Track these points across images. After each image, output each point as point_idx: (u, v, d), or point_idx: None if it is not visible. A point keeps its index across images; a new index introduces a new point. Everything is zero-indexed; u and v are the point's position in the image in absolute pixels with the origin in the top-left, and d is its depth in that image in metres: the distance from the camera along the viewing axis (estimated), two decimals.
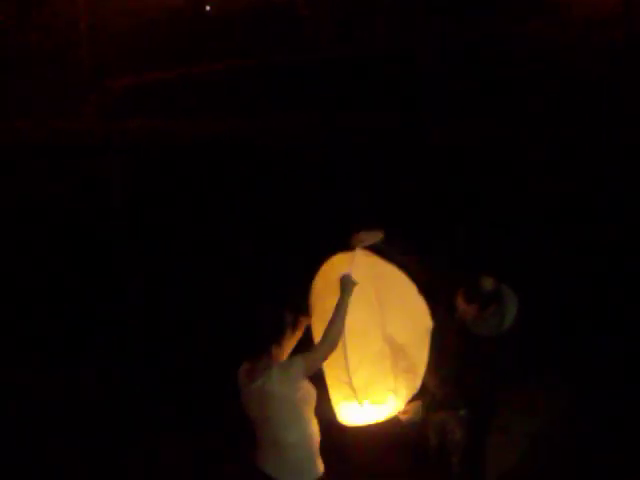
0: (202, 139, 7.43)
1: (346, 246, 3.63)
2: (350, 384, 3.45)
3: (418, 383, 3.65)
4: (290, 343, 3.55)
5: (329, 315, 3.39)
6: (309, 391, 3.37)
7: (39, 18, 10.02)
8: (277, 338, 3.37)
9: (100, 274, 6.54)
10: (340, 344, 3.37)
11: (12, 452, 4.88)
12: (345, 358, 3.40)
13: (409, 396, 3.67)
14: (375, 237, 3.68)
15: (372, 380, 3.57)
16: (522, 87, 9.01)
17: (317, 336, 3.53)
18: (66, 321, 6.33)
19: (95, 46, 8.88)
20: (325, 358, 3.35)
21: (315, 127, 7.30)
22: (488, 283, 3.69)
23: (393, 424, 3.74)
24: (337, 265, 3.62)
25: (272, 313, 3.44)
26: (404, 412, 3.72)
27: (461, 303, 3.73)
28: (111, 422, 5.26)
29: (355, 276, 3.43)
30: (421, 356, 3.63)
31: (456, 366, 3.79)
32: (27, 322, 6.35)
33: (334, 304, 3.41)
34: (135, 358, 5.93)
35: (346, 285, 3.40)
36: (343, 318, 3.36)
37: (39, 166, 7.59)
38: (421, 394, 3.75)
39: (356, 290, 3.41)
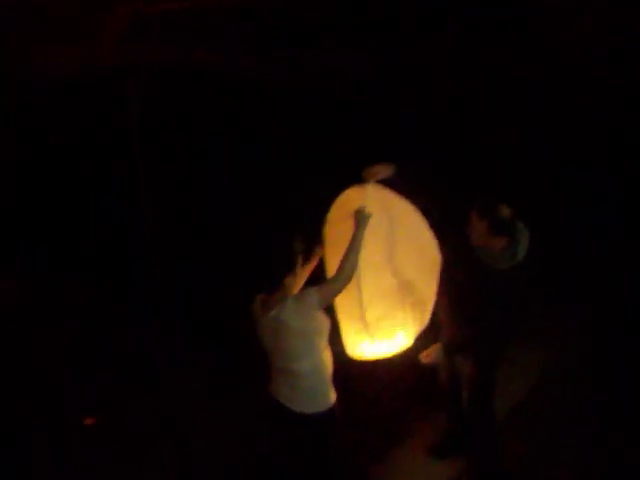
0: (227, 71, 7.29)
1: (359, 179, 3.63)
2: (363, 318, 3.50)
3: (426, 318, 3.69)
4: (304, 273, 3.61)
5: (343, 246, 3.41)
6: (323, 322, 3.41)
7: None
8: (290, 268, 3.38)
9: (115, 198, 6.50)
10: (354, 278, 3.39)
11: None
12: (358, 292, 3.45)
13: (417, 332, 3.70)
14: (387, 170, 3.67)
15: (383, 315, 3.59)
16: None
17: (330, 267, 3.57)
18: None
19: None
20: (340, 291, 3.38)
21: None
22: (505, 210, 3.67)
23: (406, 362, 3.76)
24: (351, 198, 3.64)
25: (284, 243, 3.45)
26: (425, 355, 3.76)
27: (474, 220, 3.71)
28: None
29: (368, 209, 3.45)
30: (429, 291, 3.67)
31: (471, 304, 3.80)
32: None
33: (348, 236, 3.44)
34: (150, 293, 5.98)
35: (361, 218, 3.43)
36: (358, 251, 3.39)
37: (56, 95, 7.50)
38: (440, 337, 3.77)
39: (370, 223, 3.43)
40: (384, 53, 6.83)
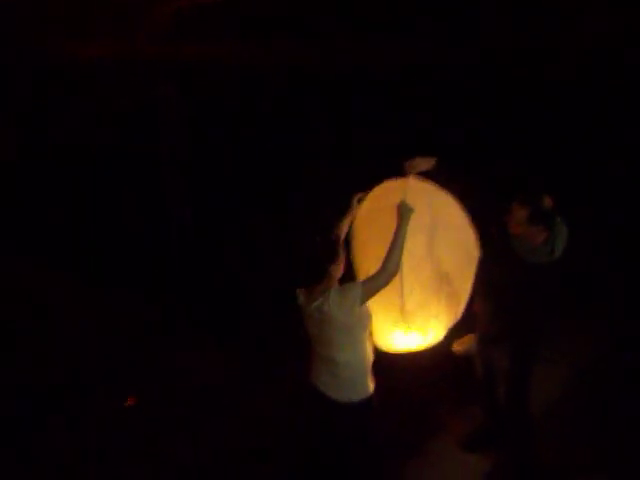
0: (264, 66, 7.34)
1: (399, 172, 3.67)
2: (402, 308, 3.54)
3: (460, 311, 3.71)
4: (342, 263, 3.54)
5: (378, 238, 3.46)
6: (365, 315, 3.44)
7: None
8: (332, 258, 3.39)
9: (147, 197, 6.60)
10: None
11: None
12: (401, 282, 3.48)
13: (450, 324, 3.72)
14: (428, 163, 3.70)
15: (420, 305, 3.63)
16: None
17: (361, 259, 3.59)
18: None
19: None
20: (384, 286, 3.38)
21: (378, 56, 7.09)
22: (547, 200, 3.68)
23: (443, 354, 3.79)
24: (390, 190, 3.67)
25: (325, 235, 3.49)
26: (458, 344, 3.78)
27: (514, 205, 3.70)
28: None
29: (411, 202, 3.46)
30: (465, 285, 3.69)
31: (506, 297, 3.81)
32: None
33: (385, 227, 3.47)
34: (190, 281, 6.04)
35: (404, 212, 3.43)
36: (402, 245, 3.39)
37: (90, 89, 7.61)
38: (474, 328, 3.80)
39: (414, 216, 3.44)
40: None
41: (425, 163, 3.69)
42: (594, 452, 4.34)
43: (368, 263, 3.53)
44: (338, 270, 3.42)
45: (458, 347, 3.83)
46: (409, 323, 3.61)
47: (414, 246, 3.52)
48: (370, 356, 3.55)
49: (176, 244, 6.31)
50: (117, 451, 4.47)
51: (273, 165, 6.72)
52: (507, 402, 4.10)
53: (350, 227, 3.75)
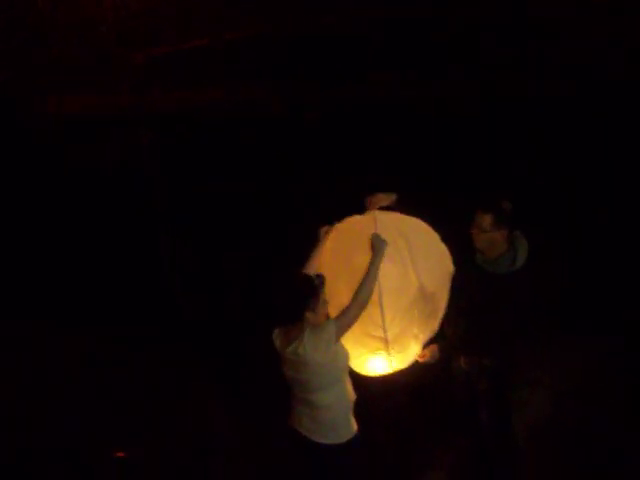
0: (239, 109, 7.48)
1: (358, 208, 3.80)
2: (384, 338, 3.60)
3: (437, 326, 3.84)
4: (324, 309, 3.55)
5: (352, 272, 3.52)
6: (342, 353, 3.48)
7: None
8: (310, 303, 3.42)
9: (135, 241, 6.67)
10: (375, 300, 3.50)
11: None
12: (381, 315, 3.55)
13: (426, 340, 3.83)
14: (389, 198, 3.85)
15: (402, 330, 3.69)
16: None
17: (333, 293, 3.59)
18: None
19: (120, 19, 8.87)
20: (357, 318, 3.43)
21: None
22: (507, 204, 3.84)
23: (413, 372, 3.88)
24: (356, 224, 3.78)
25: (303, 278, 3.51)
26: (421, 356, 3.83)
27: (477, 214, 3.84)
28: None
29: (383, 234, 3.57)
30: (442, 301, 3.82)
31: (471, 310, 3.92)
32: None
33: (355, 263, 3.55)
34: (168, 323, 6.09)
35: (378, 245, 3.52)
36: (375, 278, 3.47)
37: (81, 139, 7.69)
38: (437, 338, 3.90)
39: (389, 247, 3.54)
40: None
41: (386, 198, 3.84)
42: (579, 473, 4.37)
43: (340, 298, 3.54)
44: (315, 317, 3.44)
45: (421, 358, 3.86)
46: (390, 349, 3.66)
47: (390, 277, 3.59)
48: (351, 395, 3.61)
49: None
50: None
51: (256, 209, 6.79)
52: (490, 427, 4.12)
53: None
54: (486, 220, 3.81)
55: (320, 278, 3.48)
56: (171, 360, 5.61)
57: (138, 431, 4.89)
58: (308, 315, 3.41)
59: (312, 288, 3.44)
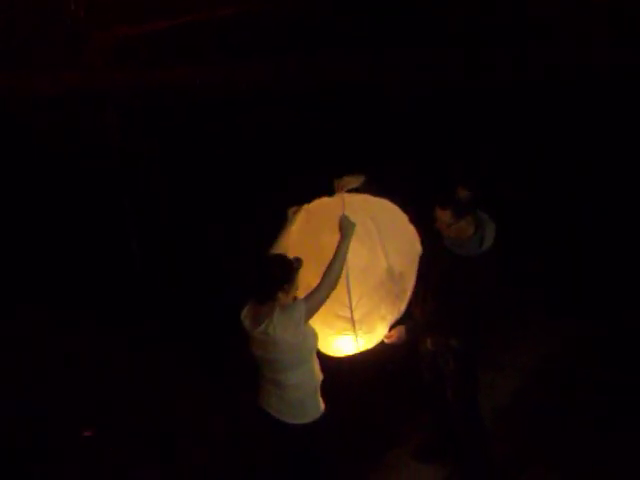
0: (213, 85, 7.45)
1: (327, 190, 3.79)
2: (351, 318, 3.63)
3: (403, 308, 3.87)
4: (295, 291, 3.57)
5: (315, 256, 3.54)
6: (311, 334, 3.51)
7: None
8: (285, 284, 3.44)
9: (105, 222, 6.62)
10: (341, 281, 3.51)
11: None
12: (348, 295, 3.59)
13: (393, 321, 3.87)
14: (357, 180, 3.85)
15: (369, 312, 3.73)
16: None
17: (302, 274, 3.59)
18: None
19: None
20: (326, 298, 3.46)
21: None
22: (463, 193, 3.83)
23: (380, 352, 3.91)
24: (324, 205, 3.78)
25: (282, 260, 3.51)
26: (388, 336, 3.85)
27: (437, 211, 3.85)
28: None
29: (352, 215, 3.57)
30: (410, 282, 3.86)
31: (438, 290, 3.94)
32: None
33: (322, 245, 3.58)
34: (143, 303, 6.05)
35: (346, 227, 3.54)
36: (344, 258, 3.49)
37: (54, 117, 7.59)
38: (404, 319, 3.93)
39: (357, 228, 3.55)
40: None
41: (354, 180, 3.84)
42: (547, 454, 4.45)
43: (307, 279, 3.56)
44: (287, 298, 3.47)
45: (388, 339, 3.89)
46: (357, 330, 3.69)
47: (358, 258, 3.63)
48: (318, 375, 3.64)
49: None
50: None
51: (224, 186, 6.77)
52: (455, 407, 4.18)
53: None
54: (446, 215, 3.81)
55: (299, 262, 3.50)
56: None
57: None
58: (280, 296, 3.43)
59: (290, 271, 3.47)
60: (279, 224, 3.75)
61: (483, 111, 6.28)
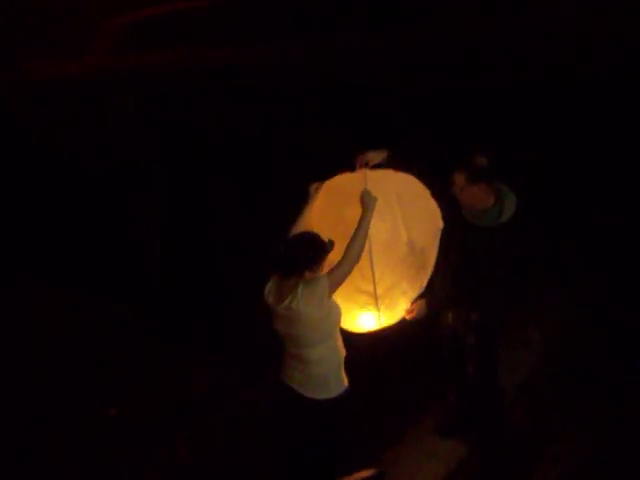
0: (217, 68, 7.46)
1: (350, 166, 3.82)
2: (374, 293, 3.67)
3: (425, 282, 3.91)
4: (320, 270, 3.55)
5: (343, 228, 3.56)
6: (334, 308, 3.53)
7: None
8: (315, 265, 3.45)
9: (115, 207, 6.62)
10: (365, 256, 3.54)
11: None
12: (371, 269, 3.64)
13: (415, 296, 3.90)
14: (380, 156, 3.86)
15: (391, 287, 3.76)
16: None
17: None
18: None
19: None
20: (349, 273, 3.47)
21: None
22: (480, 159, 3.85)
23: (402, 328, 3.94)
24: (346, 181, 3.80)
25: (318, 240, 3.51)
26: (409, 311, 3.85)
27: (456, 177, 3.86)
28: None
29: (374, 190, 3.59)
30: (431, 257, 3.89)
31: (459, 264, 3.95)
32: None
33: (345, 220, 3.61)
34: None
35: (368, 201, 3.56)
36: (366, 233, 3.52)
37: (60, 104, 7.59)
38: (425, 293, 3.96)
39: (379, 203, 3.57)
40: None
41: (377, 155, 3.85)
42: (568, 431, 4.44)
43: (330, 254, 3.55)
44: (312, 275, 3.46)
45: (409, 314, 3.90)
46: (379, 305, 3.72)
47: (380, 232, 3.67)
48: (342, 351, 3.66)
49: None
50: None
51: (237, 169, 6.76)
52: (476, 381, 4.19)
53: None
54: (460, 177, 3.83)
55: (332, 244, 3.51)
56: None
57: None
58: (306, 274, 3.44)
59: (323, 253, 3.49)
60: (300, 201, 3.77)
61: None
